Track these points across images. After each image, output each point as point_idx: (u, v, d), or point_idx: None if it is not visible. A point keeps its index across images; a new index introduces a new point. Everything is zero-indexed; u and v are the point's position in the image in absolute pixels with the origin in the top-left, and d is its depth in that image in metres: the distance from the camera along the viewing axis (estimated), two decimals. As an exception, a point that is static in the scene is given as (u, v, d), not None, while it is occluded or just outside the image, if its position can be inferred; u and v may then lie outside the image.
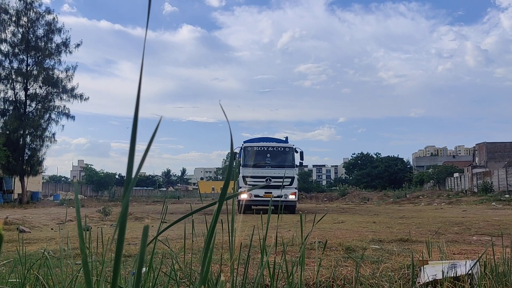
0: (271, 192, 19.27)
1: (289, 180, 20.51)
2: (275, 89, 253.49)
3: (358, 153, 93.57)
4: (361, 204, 32.39)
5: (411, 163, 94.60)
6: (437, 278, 2.95)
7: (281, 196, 18.94)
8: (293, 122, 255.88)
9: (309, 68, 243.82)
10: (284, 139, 23.37)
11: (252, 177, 20.43)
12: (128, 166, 0.59)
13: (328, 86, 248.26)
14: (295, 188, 21.00)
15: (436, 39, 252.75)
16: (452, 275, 2.94)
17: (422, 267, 3.27)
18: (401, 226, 10.49)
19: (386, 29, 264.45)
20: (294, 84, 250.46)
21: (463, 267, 3.04)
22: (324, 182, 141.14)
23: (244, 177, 20.61)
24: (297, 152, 21.48)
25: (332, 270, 3.41)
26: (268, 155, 21.06)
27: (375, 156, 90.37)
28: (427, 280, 2.95)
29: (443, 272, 2.90)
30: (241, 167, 20.85)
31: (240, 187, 20.26)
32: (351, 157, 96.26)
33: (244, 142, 22.10)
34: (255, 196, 19.88)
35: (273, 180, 20.02)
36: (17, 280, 2.75)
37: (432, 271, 3.12)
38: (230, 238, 1.85)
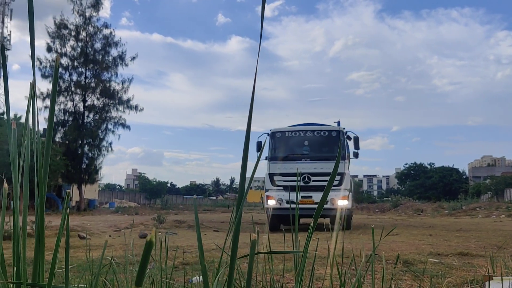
0: (311, 197, 13.99)
1: (338, 178, 14.14)
2: (324, 98, 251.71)
3: (411, 163, 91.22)
4: (414, 216, 31.50)
5: (467, 173, 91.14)
6: (504, 294, 2.86)
7: (326, 202, 14.83)
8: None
9: (362, 76, 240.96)
10: (336, 124, 17.18)
11: (282, 174, 14.61)
12: (240, 180, 0.64)
13: (380, 94, 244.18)
14: (347, 190, 14.65)
15: (493, 45, 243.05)
16: (521, 292, 2.84)
17: (486, 283, 3.18)
18: (459, 239, 10.14)
19: (439, 36, 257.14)
20: (344, 92, 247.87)
21: (531, 284, 2.93)
22: (375, 193, 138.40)
23: (271, 176, 14.99)
24: (349, 138, 15.58)
25: (390, 284, 3.37)
26: (306, 142, 15.26)
27: (428, 166, 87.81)
28: (494, 297, 2.87)
29: (510, 289, 2.81)
30: (267, 162, 15.35)
31: (267, 190, 15.14)
32: (403, 167, 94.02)
33: None
34: (288, 202, 13.93)
35: (313, 178, 14.32)
36: (85, 285, 2.89)
37: (497, 287, 3.03)
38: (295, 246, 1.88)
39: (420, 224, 18.47)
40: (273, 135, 15.41)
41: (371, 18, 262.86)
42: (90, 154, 34.46)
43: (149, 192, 65.04)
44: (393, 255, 5.86)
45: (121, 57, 35.00)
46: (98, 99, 34.29)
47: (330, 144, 15.12)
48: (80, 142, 33.58)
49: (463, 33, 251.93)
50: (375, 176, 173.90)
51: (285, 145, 15.39)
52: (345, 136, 15.28)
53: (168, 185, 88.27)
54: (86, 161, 34.32)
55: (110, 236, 12.46)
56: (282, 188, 14.52)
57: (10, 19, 76.36)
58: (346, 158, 15.04)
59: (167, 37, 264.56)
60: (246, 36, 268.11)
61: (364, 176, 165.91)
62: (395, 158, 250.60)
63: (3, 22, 75.55)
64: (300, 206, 12.93)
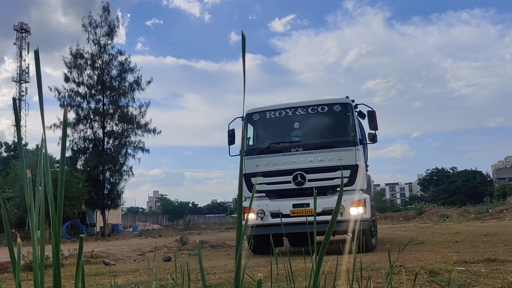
0: (307, 204, 9.66)
1: (347, 173, 9.65)
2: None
3: (433, 169, 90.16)
4: (440, 222, 31.02)
5: (491, 175, 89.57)
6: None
7: (330, 212, 8.66)
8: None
9: (378, 84, 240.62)
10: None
11: (264, 174, 10.20)
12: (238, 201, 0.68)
13: (397, 101, 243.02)
14: (363, 191, 9.87)
15: (508, 44, 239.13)
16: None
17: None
18: (486, 245, 9.96)
19: (451, 39, 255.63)
20: (360, 101, 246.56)
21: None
22: (398, 201, 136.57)
23: (247, 178, 10.36)
24: (362, 115, 10.74)
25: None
26: (297, 124, 10.46)
27: (451, 171, 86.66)
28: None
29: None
30: (243, 158, 9.60)
31: (244, 200, 10.69)
32: (425, 173, 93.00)
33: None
34: (273, 215, 9.94)
35: (309, 176, 9.86)
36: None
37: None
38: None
39: (445, 231, 18.19)
40: (249, 118, 10.85)
41: (380, 26, 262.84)
42: (111, 179, 34.87)
43: (171, 213, 65.37)
44: (418, 265, 5.79)
45: (137, 82, 35.55)
46: (116, 124, 34.80)
47: (333, 124, 10.54)
48: (101, 168, 34.00)
49: (475, 35, 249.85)
50: (397, 184, 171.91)
51: (267, 131, 11.02)
52: (356, 112, 10.48)
53: (190, 205, 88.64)
54: (108, 187, 34.71)
55: (134, 260, 12.54)
56: (264, 194, 10.27)
57: (28, 52, 78.35)
58: (358, 144, 9.97)
59: (180, 59, 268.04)
60: (258, 53, 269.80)
61: (386, 184, 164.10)
62: (416, 165, 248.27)
63: (21, 55, 77.48)
64: (292, 219, 9.62)
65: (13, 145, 48.63)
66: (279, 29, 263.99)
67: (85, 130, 34.38)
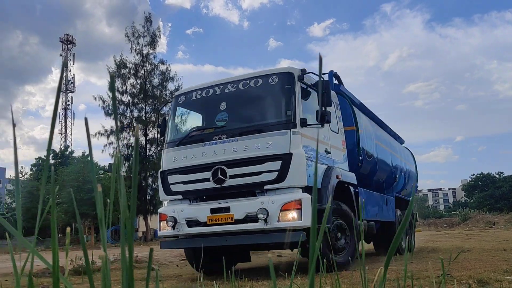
0: (228, 209, 7.17)
1: (277, 165, 6.93)
2: (380, 112, 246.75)
3: (478, 174, 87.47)
4: (486, 229, 30.08)
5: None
6: None
7: (255, 218, 6.81)
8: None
9: (420, 87, 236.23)
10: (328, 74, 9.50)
11: (181, 171, 7.86)
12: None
13: (440, 104, 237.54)
14: (301, 189, 6.88)
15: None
16: None
17: None
18: (537, 254, 9.60)
19: (495, 40, 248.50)
20: (401, 105, 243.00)
21: None
22: (441, 207, 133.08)
23: (164, 175, 8.18)
24: (314, 87, 7.83)
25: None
26: (223, 105, 7.91)
27: (497, 176, 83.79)
28: None
29: None
30: (163, 152, 8.54)
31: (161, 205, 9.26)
32: (470, 179, 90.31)
33: None
34: (190, 224, 7.48)
35: (231, 171, 7.25)
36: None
37: None
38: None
39: (492, 238, 17.63)
40: (176, 102, 8.95)
41: (420, 29, 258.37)
42: (154, 185, 35.61)
43: (211, 219, 65.99)
44: (466, 274, 5.68)
45: (178, 91, 36.10)
46: (158, 132, 35.47)
47: (267, 101, 8.03)
48: (144, 174, 34.83)
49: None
50: (440, 189, 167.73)
51: (192, 115, 9.12)
52: (300, 84, 7.51)
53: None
54: (151, 193, 35.46)
55: (177, 266, 12.73)
56: (180, 195, 7.97)
57: (73, 63, 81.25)
58: (297, 126, 7.13)
59: (218, 67, 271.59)
60: (295, 58, 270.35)
61: (429, 190, 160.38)
62: (460, 170, 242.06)
63: (66, 66, 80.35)
64: (211, 229, 7.30)
65: (60, 153, 50.41)
66: (318, 33, 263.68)
67: (128, 138, 35.33)
